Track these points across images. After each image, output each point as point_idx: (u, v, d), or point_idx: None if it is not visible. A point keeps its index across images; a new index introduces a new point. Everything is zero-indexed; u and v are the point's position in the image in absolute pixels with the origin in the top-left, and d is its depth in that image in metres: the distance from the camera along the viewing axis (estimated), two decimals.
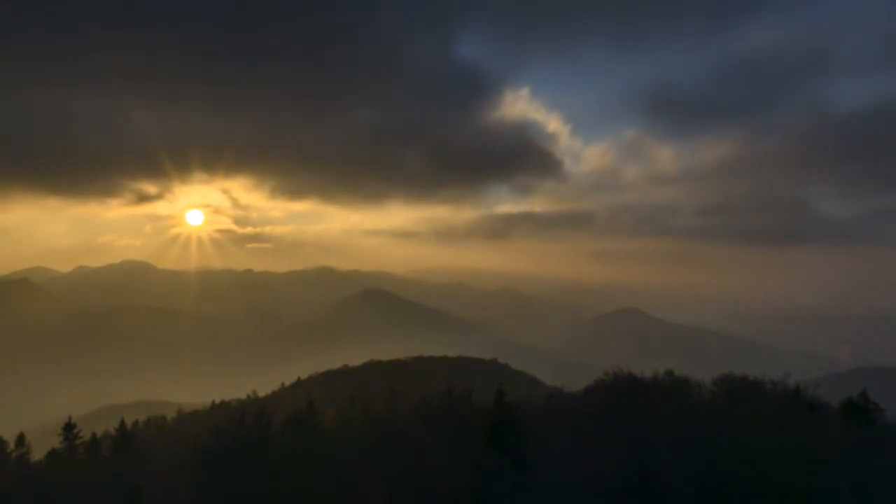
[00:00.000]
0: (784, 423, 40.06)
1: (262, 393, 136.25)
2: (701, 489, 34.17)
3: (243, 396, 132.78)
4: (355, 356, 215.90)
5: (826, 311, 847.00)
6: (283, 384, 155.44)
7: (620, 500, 34.28)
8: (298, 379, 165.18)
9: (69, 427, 65.75)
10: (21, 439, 69.06)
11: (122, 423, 69.60)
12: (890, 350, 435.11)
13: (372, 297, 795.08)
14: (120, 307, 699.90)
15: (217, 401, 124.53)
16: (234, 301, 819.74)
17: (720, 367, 63.01)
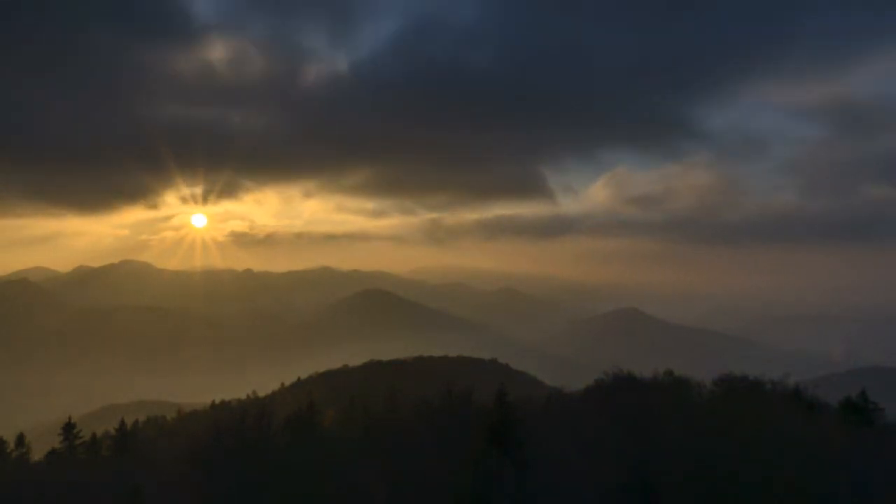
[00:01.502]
0: (784, 423, 40.07)
1: (262, 393, 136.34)
2: (701, 489, 34.20)
3: (243, 396, 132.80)
4: (355, 356, 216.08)
5: (826, 311, 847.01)
6: (283, 384, 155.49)
7: (620, 499, 34.32)
8: (298, 379, 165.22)
9: (69, 427, 65.76)
10: (21, 439, 68.98)
11: (122, 423, 69.69)
12: (890, 350, 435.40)
13: (372, 297, 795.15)
14: (120, 307, 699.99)
15: (217, 401, 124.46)
16: (234, 301, 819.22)
17: (720, 367, 63.04)
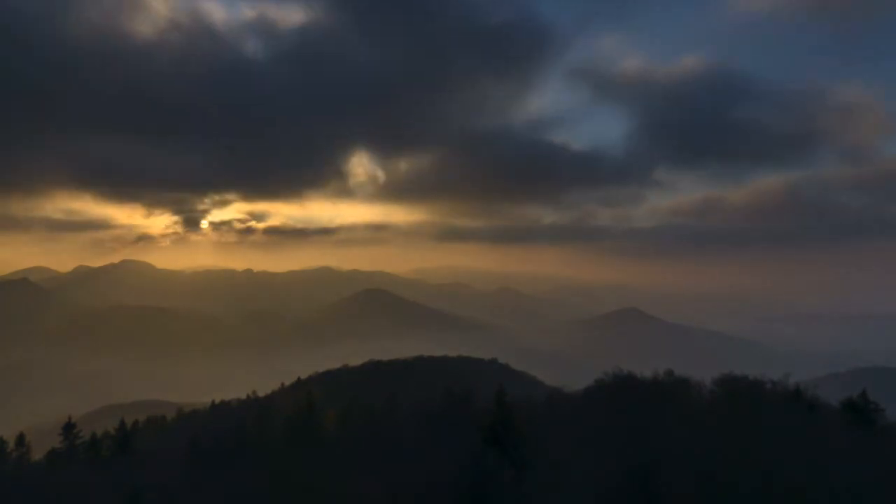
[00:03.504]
0: (784, 423, 40.06)
1: (261, 393, 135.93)
2: (701, 488, 34.17)
3: (243, 396, 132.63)
4: (355, 356, 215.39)
5: (826, 311, 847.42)
6: (283, 384, 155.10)
7: (620, 499, 34.28)
8: (298, 379, 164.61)
9: (69, 427, 65.75)
10: (21, 439, 68.97)
11: (122, 423, 69.64)
12: (890, 350, 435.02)
13: (372, 297, 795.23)
14: (120, 307, 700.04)
15: (217, 401, 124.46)
16: (234, 301, 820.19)
17: (720, 367, 63.00)
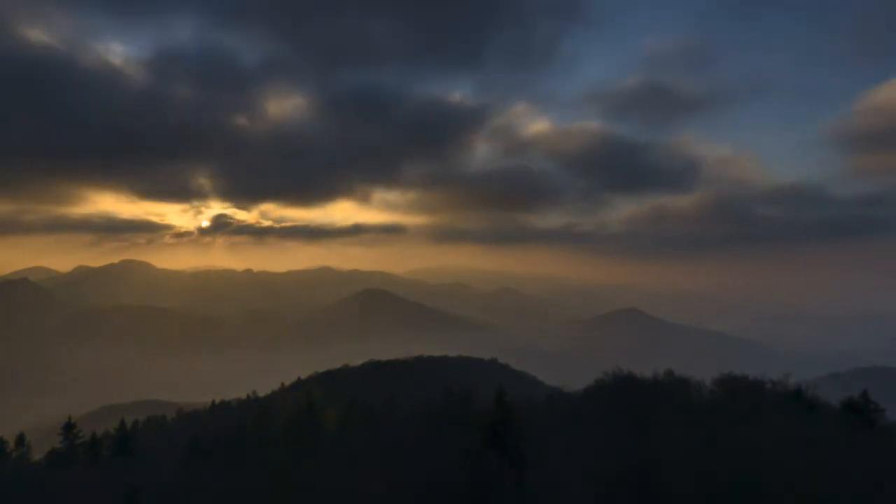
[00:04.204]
0: (784, 423, 40.05)
1: (261, 393, 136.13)
2: (701, 489, 34.16)
3: (243, 396, 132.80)
4: (355, 356, 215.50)
5: (827, 311, 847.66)
6: (283, 384, 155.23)
7: (621, 500, 34.28)
8: (298, 379, 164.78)
9: (69, 427, 65.69)
10: (21, 439, 68.97)
11: (122, 423, 69.62)
12: (890, 350, 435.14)
13: (372, 297, 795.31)
14: (120, 307, 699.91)
15: (217, 401, 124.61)
16: (234, 301, 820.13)
17: (720, 367, 62.92)
